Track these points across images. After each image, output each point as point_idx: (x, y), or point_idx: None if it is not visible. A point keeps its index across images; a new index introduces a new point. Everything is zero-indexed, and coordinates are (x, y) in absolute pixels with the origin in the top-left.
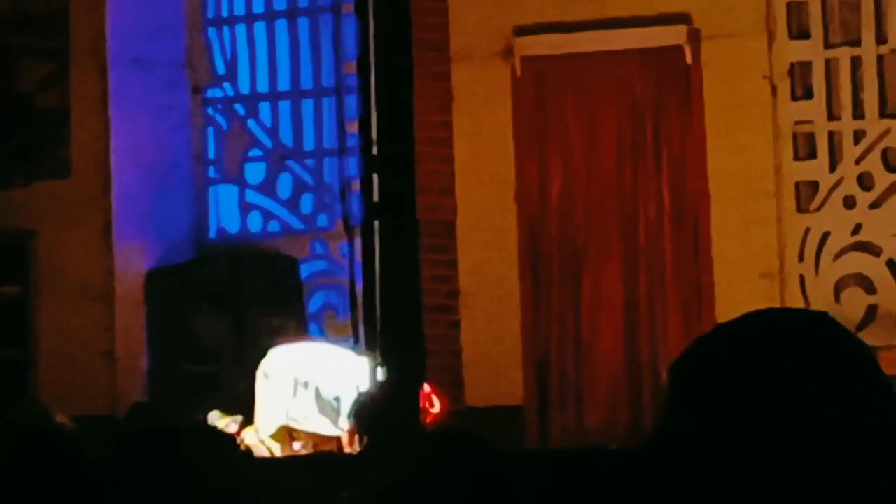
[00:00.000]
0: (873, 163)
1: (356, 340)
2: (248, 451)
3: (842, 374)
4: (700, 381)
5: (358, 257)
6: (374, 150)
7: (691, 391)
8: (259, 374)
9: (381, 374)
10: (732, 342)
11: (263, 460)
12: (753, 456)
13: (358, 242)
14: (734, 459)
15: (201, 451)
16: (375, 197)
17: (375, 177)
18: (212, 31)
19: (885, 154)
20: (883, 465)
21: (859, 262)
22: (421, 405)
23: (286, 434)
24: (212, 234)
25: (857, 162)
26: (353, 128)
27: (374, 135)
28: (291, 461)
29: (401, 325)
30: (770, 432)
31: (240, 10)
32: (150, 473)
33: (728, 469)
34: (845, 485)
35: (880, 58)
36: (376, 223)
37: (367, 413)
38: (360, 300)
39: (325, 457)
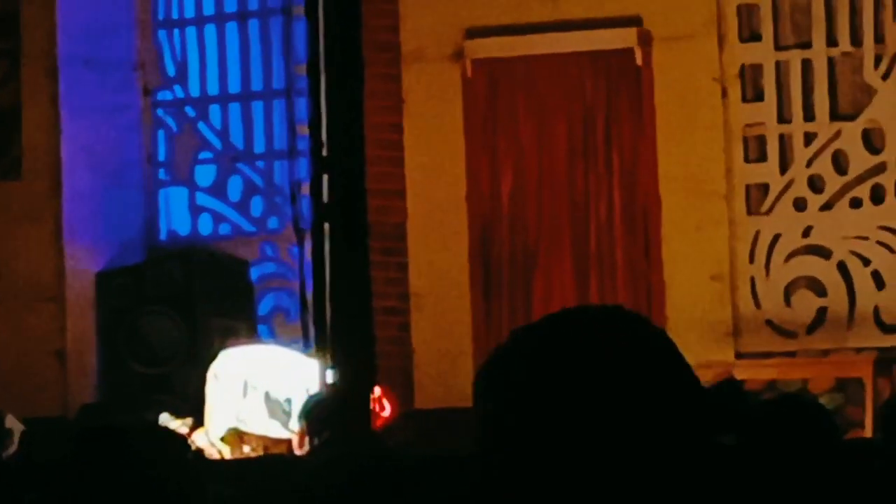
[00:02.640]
0: (824, 165)
1: (306, 342)
2: (201, 452)
3: (641, 363)
4: (499, 390)
5: (308, 259)
6: (325, 152)
7: (492, 401)
8: (209, 375)
9: (331, 376)
10: (527, 346)
11: (216, 462)
12: (559, 455)
13: (308, 245)
14: (541, 461)
15: (155, 451)
16: (325, 199)
17: (325, 178)
18: (162, 33)
19: (835, 156)
20: (686, 449)
21: (810, 265)
22: (371, 408)
23: (236, 436)
24: (162, 236)
25: (808, 164)
26: (303, 130)
27: (324, 137)
28: (242, 463)
29: (351, 328)
30: (573, 429)
31: (190, 12)
32: (105, 472)
33: (537, 470)
34: (648, 471)
35: (831, 60)
36: (326, 225)
37: (318, 415)
38: (310, 302)
39: (275, 459)
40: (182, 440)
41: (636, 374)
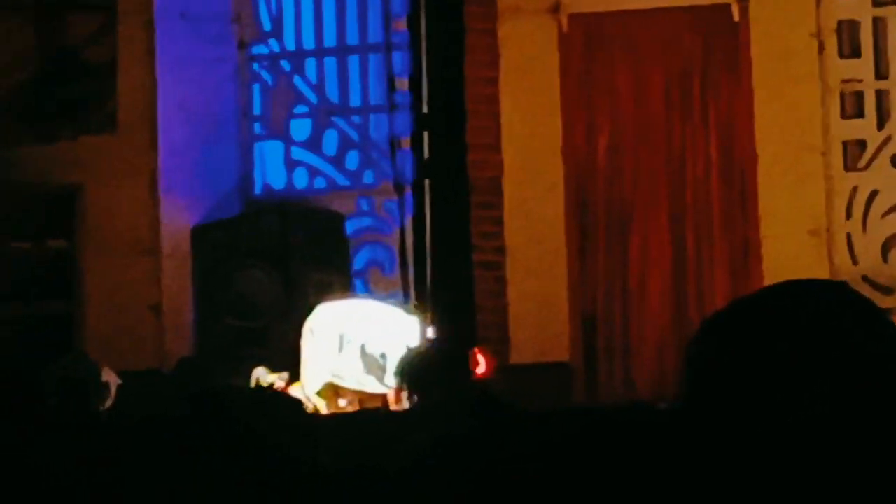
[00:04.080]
0: None
1: (405, 297)
2: (316, 413)
3: (862, 341)
4: (718, 359)
5: (408, 214)
6: (425, 108)
7: (710, 368)
8: (305, 330)
9: (430, 331)
10: (748, 316)
11: (324, 418)
12: (776, 428)
13: (408, 200)
14: (758, 432)
15: (270, 414)
16: (426, 154)
17: (426, 134)
18: None
19: None
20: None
21: None
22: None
23: (332, 391)
24: (258, 190)
25: None
26: (401, 84)
27: (423, 92)
28: (343, 418)
29: (452, 283)
30: (791, 403)
31: None
32: (220, 434)
33: (752, 443)
34: (868, 448)
35: None
36: (427, 181)
37: (416, 371)
38: (409, 257)
39: (374, 414)
40: (297, 403)
41: (856, 348)
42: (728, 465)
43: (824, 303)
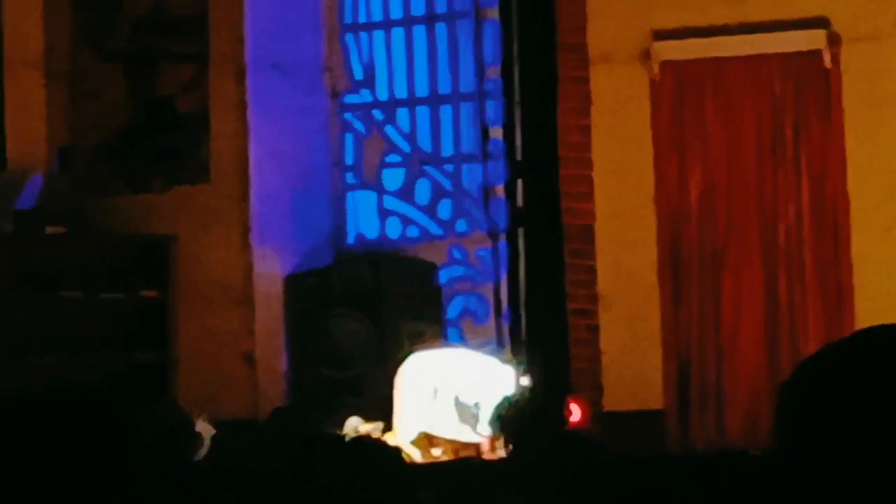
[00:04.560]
0: None
1: (499, 346)
2: (413, 462)
3: None
4: (813, 401)
5: (502, 263)
6: (519, 156)
7: (805, 411)
8: (398, 379)
9: (525, 380)
10: (843, 359)
11: (421, 467)
12: (872, 472)
13: (502, 248)
14: (854, 476)
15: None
16: (520, 203)
17: (520, 182)
18: (349, 36)
19: None
20: None
21: None
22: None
23: (426, 440)
24: (350, 239)
25: None
26: (494, 133)
27: (518, 141)
28: (439, 467)
29: (547, 332)
30: (886, 449)
31: (377, 15)
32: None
33: (848, 489)
34: None
35: None
36: (521, 230)
37: (513, 419)
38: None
39: (470, 463)
40: (397, 451)
41: None
42: None
43: None
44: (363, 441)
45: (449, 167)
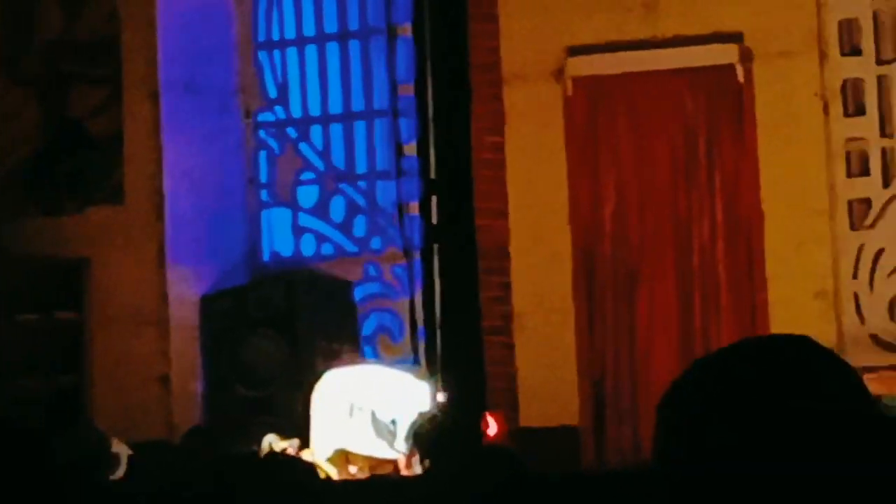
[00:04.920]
0: None
1: (415, 362)
2: (329, 479)
3: (826, 395)
4: (687, 418)
5: (417, 280)
6: (433, 174)
7: (681, 428)
8: (314, 397)
9: (441, 396)
10: (706, 375)
11: (337, 484)
12: (747, 483)
13: (417, 265)
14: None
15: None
16: (434, 220)
17: (434, 199)
18: (263, 54)
19: None
20: (870, 478)
21: None
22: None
23: (343, 457)
24: (265, 257)
25: None
26: (408, 150)
27: (431, 157)
28: (357, 485)
29: (462, 348)
30: (761, 458)
31: (290, 33)
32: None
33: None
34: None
35: None
36: (435, 246)
37: (429, 435)
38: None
39: (387, 480)
40: (311, 467)
41: (823, 403)
42: None
43: (786, 357)
44: (276, 457)
45: (363, 184)
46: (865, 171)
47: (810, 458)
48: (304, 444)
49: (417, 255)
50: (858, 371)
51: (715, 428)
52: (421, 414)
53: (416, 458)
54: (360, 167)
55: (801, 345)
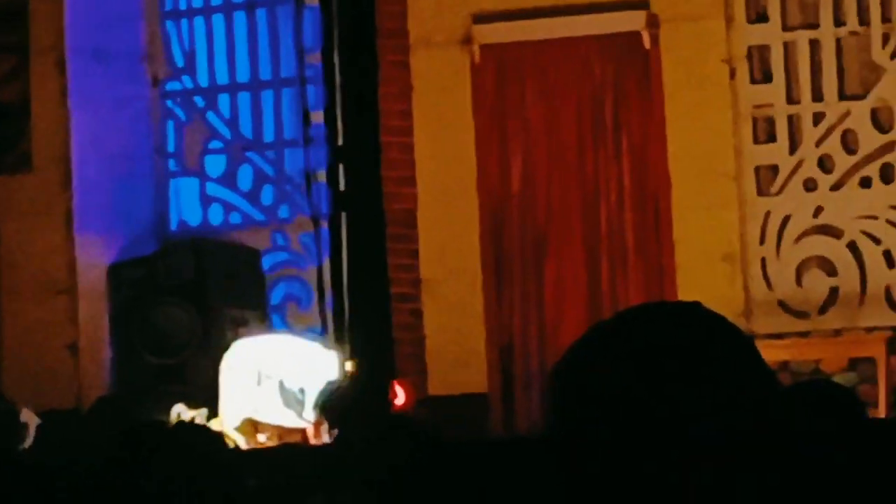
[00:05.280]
0: (833, 145)
1: (323, 331)
2: (237, 448)
3: (720, 362)
4: (581, 385)
5: (324, 248)
6: (340, 141)
7: (574, 395)
8: (223, 366)
9: (349, 364)
10: (609, 342)
11: (246, 454)
12: (638, 450)
13: (324, 233)
14: (621, 455)
15: (195, 448)
16: (342, 187)
17: (341, 168)
18: (170, 23)
19: (844, 136)
20: (765, 450)
21: (820, 245)
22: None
23: (251, 426)
24: (173, 226)
25: (817, 145)
26: (315, 118)
27: (339, 125)
28: (264, 453)
29: (369, 317)
30: (651, 426)
31: (197, 2)
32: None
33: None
34: (727, 473)
35: (839, 40)
36: (343, 214)
37: (337, 404)
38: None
39: (295, 449)
40: (219, 436)
41: (712, 369)
42: (584, 492)
43: (676, 322)
44: (184, 426)
45: (271, 153)
46: (772, 138)
47: (696, 422)
48: (214, 412)
49: (325, 224)
50: (766, 338)
51: (602, 395)
52: (329, 383)
53: (324, 427)
54: (268, 136)
55: (692, 310)
